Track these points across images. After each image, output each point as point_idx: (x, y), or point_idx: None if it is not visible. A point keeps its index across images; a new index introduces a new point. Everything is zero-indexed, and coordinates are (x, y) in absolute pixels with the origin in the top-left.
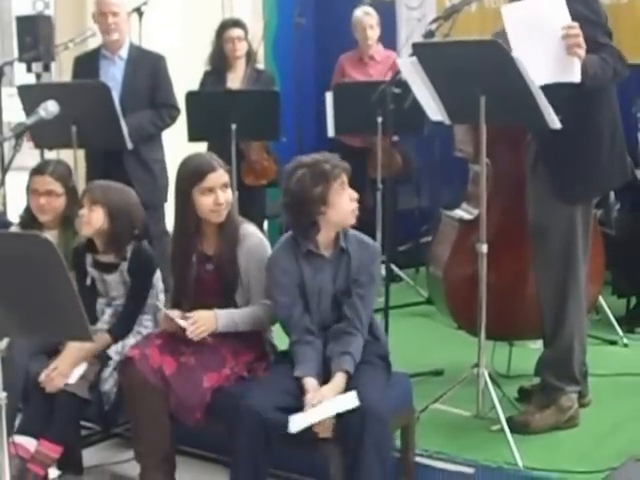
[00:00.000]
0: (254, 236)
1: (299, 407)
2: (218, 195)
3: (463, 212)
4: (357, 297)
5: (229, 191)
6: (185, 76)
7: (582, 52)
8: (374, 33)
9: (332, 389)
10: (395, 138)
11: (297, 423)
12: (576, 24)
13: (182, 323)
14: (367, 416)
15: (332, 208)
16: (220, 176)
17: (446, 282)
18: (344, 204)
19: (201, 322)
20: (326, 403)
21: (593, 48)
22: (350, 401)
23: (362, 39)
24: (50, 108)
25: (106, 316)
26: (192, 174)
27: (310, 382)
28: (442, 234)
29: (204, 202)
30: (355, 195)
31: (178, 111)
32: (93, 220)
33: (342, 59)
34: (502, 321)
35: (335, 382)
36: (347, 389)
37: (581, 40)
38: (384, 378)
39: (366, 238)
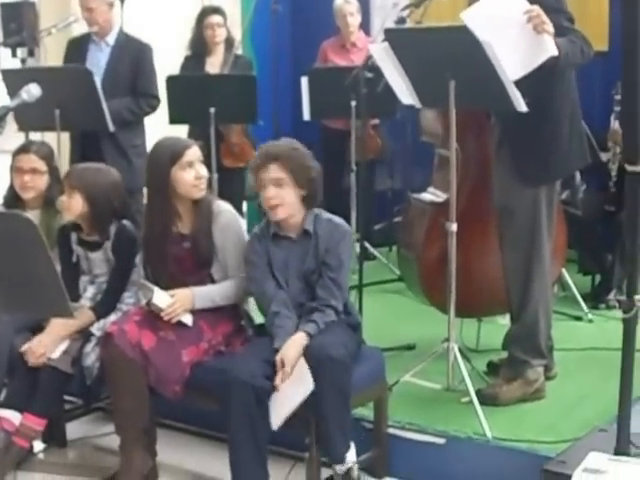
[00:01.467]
0: (228, 212)
1: None
2: (198, 168)
3: (431, 196)
4: (329, 280)
5: (204, 167)
6: (166, 61)
7: (550, 27)
8: (355, 20)
9: (292, 346)
10: (375, 121)
11: (275, 421)
12: (535, 6)
13: (161, 306)
14: (320, 357)
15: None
16: (197, 151)
17: (420, 263)
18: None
19: (179, 303)
20: (289, 391)
21: (559, 33)
22: (307, 386)
23: (343, 26)
24: (32, 91)
25: (89, 293)
26: (170, 153)
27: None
28: (413, 217)
29: (185, 177)
30: (204, 173)
31: (158, 101)
32: (72, 206)
33: (324, 45)
34: (472, 299)
35: (294, 339)
36: (309, 345)
37: (545, 17)
38: (345, 332)
39: (337, 219)
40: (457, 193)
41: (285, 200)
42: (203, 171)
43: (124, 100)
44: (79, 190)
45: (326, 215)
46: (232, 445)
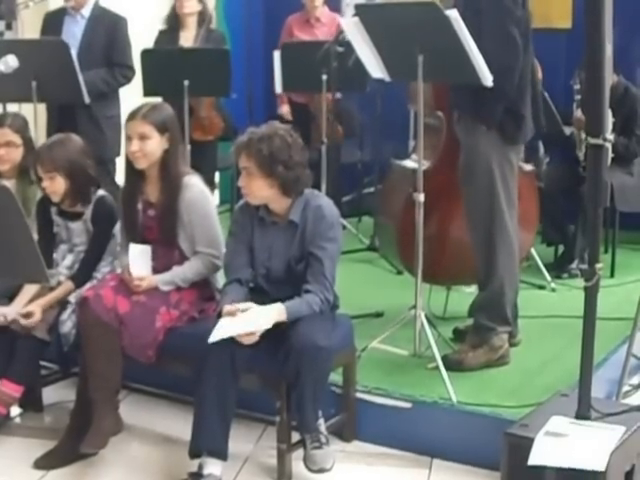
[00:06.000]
0: (195, 187)
1: (264, 337)
2: (132, 143)
3: (414, 163)
4: (317, 272)
5: (151, 142)
6: (142, 35)
7: None
8: None
9: (265, 310)
10: (338, 95)
11: (217, 334)
12: None
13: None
14: (307, 344)
15: None
16: (136, 125)
17: (398, 228)
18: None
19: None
20: (247, 317)
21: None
22: (265, 320)
23: (308, 1)
24: (10, 62)
25: (67, 261)
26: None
27: (226, 307)
28: (393, 183)
29: (127, 147)
30: (133, 148)
31: (133, 72)
32: (57, 188)
33: (290, 20)
34: (447, 266)
35: (271, 306)
36: (287, 327)
37: None
38: (324, 317)
39: (325, 209)
40: (440, 161)
41: (252, 189)
42: (137, 146)
43: (99, 71)
44: (57, 171)
45: (316, 202)
46: (199, 406)
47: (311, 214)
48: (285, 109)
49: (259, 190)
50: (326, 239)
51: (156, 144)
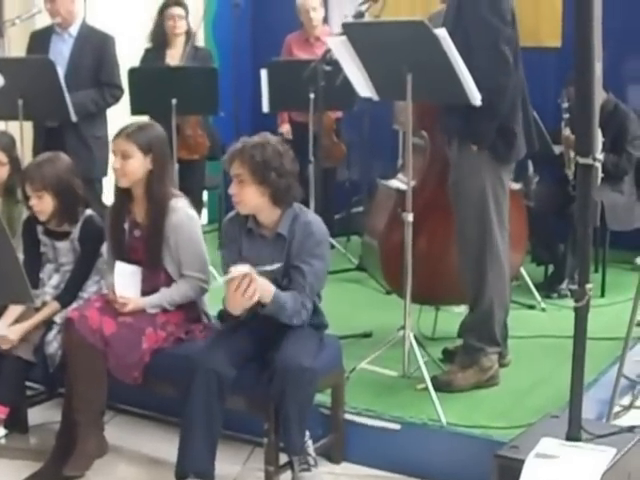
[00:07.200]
0: (181, 211)
1: (252, 359)
2: (114, 160)
3: (399, 182)
4: (299, 286)
5: (132, 161)
6: (129, 53)
7: None
8: (318, 14)
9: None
10: (339, 114)
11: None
12: None
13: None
14: (291, 365)
15: None
16: (119, 143)
17: (382, 248)
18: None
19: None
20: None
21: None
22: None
23: (307, 21)
24: None
25: (53, 281)
26: None
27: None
28: (379, 202)
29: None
30: (114, 165)
31: (121, 91)
32: (45, 207)
33: (289, 39)
34: (434, 286)
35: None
36: (273, 344)
37: None
38: (310, 338)
39: (315, 225)
40: (424, 181)
41: (244, 197)
42: (118, 163)
43: (88, 92)
44: (46, 190)
45: (305, 218)
46: (185, 427)
47: (299, 229)
48: (285, 128)
49: (250, 198)
50: (312, 255)
51: (138, 164)
